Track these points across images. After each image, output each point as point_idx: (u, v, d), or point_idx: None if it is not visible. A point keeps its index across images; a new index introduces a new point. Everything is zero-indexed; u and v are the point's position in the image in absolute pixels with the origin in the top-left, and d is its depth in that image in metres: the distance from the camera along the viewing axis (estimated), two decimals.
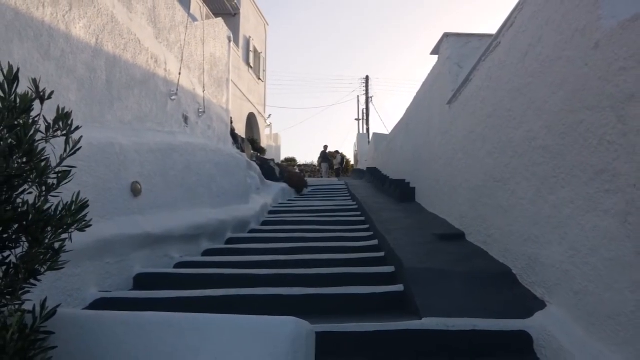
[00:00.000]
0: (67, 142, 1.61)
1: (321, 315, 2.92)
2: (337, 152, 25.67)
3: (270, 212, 8.20)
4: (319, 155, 23.81)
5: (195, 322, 1.55)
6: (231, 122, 10.63)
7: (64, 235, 1.57)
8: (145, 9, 5.97)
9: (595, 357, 2.14)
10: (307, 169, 25.94)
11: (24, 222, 1.50)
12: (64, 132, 1.61)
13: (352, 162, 27.05)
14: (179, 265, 4.46)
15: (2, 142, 1.44)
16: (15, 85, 1.49)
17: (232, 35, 10.02)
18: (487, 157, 3.98)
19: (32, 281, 1.53)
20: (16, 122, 1.48)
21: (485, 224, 3.99)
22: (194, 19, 8.76)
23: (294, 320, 1.53)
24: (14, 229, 1.51)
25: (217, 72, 9.00)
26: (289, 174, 12.62)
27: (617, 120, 2.14)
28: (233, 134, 11.66)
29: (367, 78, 30.49)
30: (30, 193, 1.55)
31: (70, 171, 1.61)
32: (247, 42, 17.36)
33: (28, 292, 1.52)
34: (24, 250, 1.51)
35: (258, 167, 9.63)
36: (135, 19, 5.62)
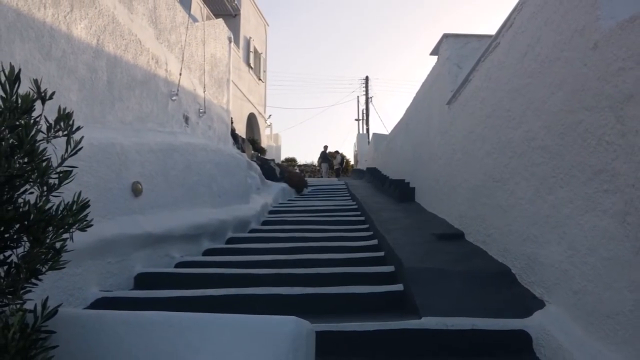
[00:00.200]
0: (68, 143, 1.62)
1: (321, 315, 2.93)
2: (337, 152, 25.68)
3: (271, 212, 8.22)
4: (319, 156, 23.81)
5: (196, 321, 1.55)
6: (231, 123, 10.64)
7: (65, 235, 1.57)
8: (146, 9, 5.98)
9: (594, 356, 2.14)
10: (307, 169, 25.95)
11: (26, 222, 1.51)
12: (65, 133, 1.61)
13: (352, 162, 27.05)
14: (180, 264, 4.47)
15: (3, 142, 1.45)
16: (16, 85, 1.50)
17: (232, 36, 10.03)
18: (486, 157, 3.98)
19: (33, 281, 1.53)
20: (17, 123, 1.48)
21: (484, 223, 4.00)
22: (195, 20, 8.77)
23: (294, 320, 1.53)
24: (15, 228, 1.51)
25: (218, 72, 9.01)
26: (289, 174, 12.63)
27: (615, 120, 2.15)
28: (233, 134, 11.68)
29: (366, 78, 30.54)
30: (32, 193, 1.56)
31: (71, 171, 1.61)
32: (248, 42, 17.37)
33: (29, 291, 1.52)
34: (26, 250, 1.51)
35: (258, 167, 9.65)
36: (136, 20, 5.63)
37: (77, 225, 1.59)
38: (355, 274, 3.85)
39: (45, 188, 1.56)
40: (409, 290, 3.22)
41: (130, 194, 4.08)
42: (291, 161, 25.99)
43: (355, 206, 8.47)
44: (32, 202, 1.54)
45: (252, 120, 17.88)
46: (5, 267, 1.50)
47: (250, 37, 17.67)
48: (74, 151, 1.62)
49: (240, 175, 7.04)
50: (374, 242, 5.13)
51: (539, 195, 2.93)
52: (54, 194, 1.58)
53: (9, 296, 1.46)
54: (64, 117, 1.61)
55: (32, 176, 1.53)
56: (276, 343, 1.45)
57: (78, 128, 1.65)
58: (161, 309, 1.82)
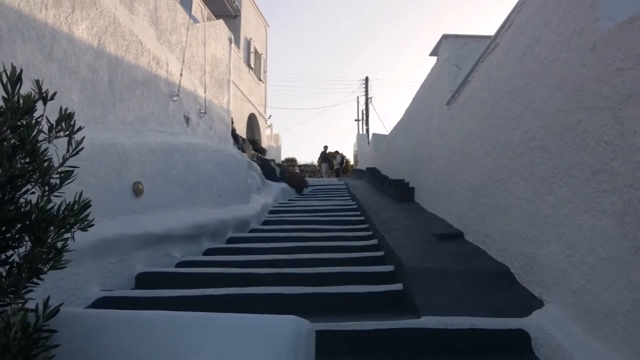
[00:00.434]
0: (69, 143, 1.62)
1: (321, 314, 2.93)
2: (337, 152, 25.69)
3: (271, 212, 8.22)
4: (319, 156, 23.81)
5: (197, 320, 1.55)
6: (232, 123, 10.65)
7: (66, 235, 1.57)
8: (147, 10, 5.99)
9: (592, 356, 2.15)
10: (307, 169, 25.95)
11: (27, 222, 1.50)
12: (67, 133, 1.61)
13: (352, 163, 27.06)
14: (181, 264, 4.48)
15: (5, 143, 1.45)
16: (18, 86, 1.50)
17: (233, 37, 10.04)
18: (485, 157, 3.99)
19: (35, 280, 1.53)
20: (19, 123, 1.48)
21: (483, 223, 4.01)
22: (195, 21, 8.78)
23: (294, 319, 1.54)
24: (17, 228, 1.51)
25: (218, 73, 9.02)
26: (290, 174, 12.64)
27: (614, 120, 2.16)
28: (234, 134, 11.69)
29: (366, 79, 30.58)
30: (33, 193, 1.56)
31: (72, 171, 1.61)
32: (248, 43, 17.39)
33: (31, 291, 1.52)
34: (27, 249, 1.51)
35: (259, 167, 9.66)
36: (137, 21, 5.64)
37: (78, 225, 1.59)
38: (355, 274, 3.85)
39: (46, 188, 1.56)
40: (409, 289, 3.23)
41: (131, 194, 4.09)
42: (291, 161, 25.99)
43: (355, 206, 8.48)
44: (33, 202, 1.54)
45: (252, 121, 17.89)
46: (7, 267, 1.50)
47: (251, 38, 17.68)
48: (75, 151, 1.62)
49: (240, 175, 7.05)
50: (374, 241, 5.14)
51: (538, 195, 2.94)
52: (55, 194, 1.58)
53: (10, 295, 1.46)
54: (66, 118, 1.61)
55: (34, 176, 1.53)
56: (276, 342, 1.45)
57: (79, 128, 1.65)
58: (162, 309, 1.83)
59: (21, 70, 1.52)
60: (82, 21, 4.33)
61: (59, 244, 1.56)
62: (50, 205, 1.56)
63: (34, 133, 1.50)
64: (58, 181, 1.59)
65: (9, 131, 1.47)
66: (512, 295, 3.06)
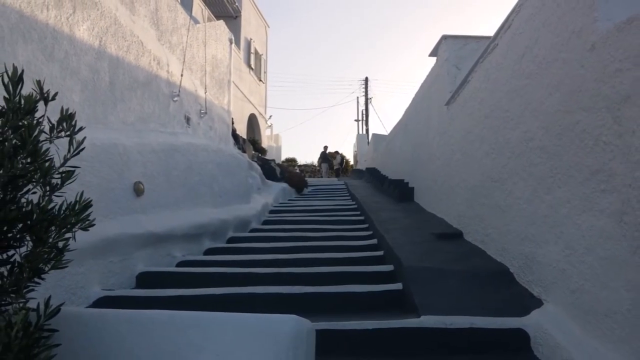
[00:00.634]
0: (70, 143, 1.62)
1: (321, 313, 2.94)
2: (336, 152, 25.69)
3: (271, 212, 8.24)
4: (319, 156, 23.82)
5: (198, 320, 1.56)
6: (232, 123, 10.66)
7: (67, 235, 1.57)
8: (148, 11, 6.00)
9: (591, 355, 2.16)
10: (308, 169, 25.95)
11: (29, 222, 1.51)
12: (68, 133, 1.62)
13: (352, 163, 27.06)
14: (181, 264, 4.49)
15: (6, 143, 1.46)
16: (19, 86, 1.50)
17: (233, 38, 10.04)
18: (484, 157, 4.00)
19: (36, 280, 1.53)
20: (20, 123, 1.49)
21: (482, 223, 4.02)
22: (196, 22, 8.79)
23: (294, 318, 1.54)
24: (18, 228, 1.51)
25: (219, 73, 9.03)
26: (290, 174, 12.66)
27: (612, 121, 2.16)
28: (234, 134, 11.70)
29: (366, 79, 30.60)
30: (35, 193, 1.56)
31: (73, 171, 1.61)
32: (248, 44, 17.39)
33: (32, 290, 1.52)
34: (29, 249, 1.51)
35: (259, 167, 9.67)
36: (138, 22, 5.65)
37: (79, 224, 1.59)
38: (354, 273, 3.86)
39: (48, 188, 1.57)
40: (408, 289, 3.24)
41: (132, 194, 4.11)
42: (291, 161, 25.98)
43: (355, 206, 8.49)
44: (35, 201, 1.54)
45: (252, 121, 17.90)
46: (9, 266, 1.50)
47: (251, 39, 17.69)
48: (76, 151, 1.63)
49: (241, 175, 7.06)
50: (374, 241, 5.15)
51: (537, 195, 2.95)
52: (56, 193, 1.58)
53: (12, 295, 1.46)
54: (67, 118, 1.61)
55: (35, 176, 1.53)
56: (277, 341, 1.46)
57: (80, 128, 1.65)
58: (163, 308, 1.84)
59: (22, 71, 1.53)
60: (83, 22, 4.34)
61: (60, 244, 1.56)
62: (52, 205, 1.56)
63: (35, 133, 1.50)
64: (59, 181, 1.59)
65: (10, 131, 1.48)
66: (511, 294, 3.07)
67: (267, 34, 20.58)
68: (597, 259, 2.25)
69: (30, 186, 1.55)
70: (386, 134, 15.40)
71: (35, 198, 1.55)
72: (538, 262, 2.91)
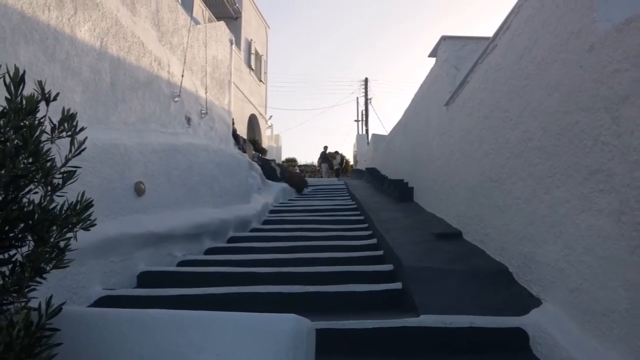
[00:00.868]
0: (72, 143, 1.62)
1: (321, 313, 2.95)
2: (336, 152, 25.70)
3: (271, 212, 8.25)
4: (319, 156, 23.83)
5: (198, 319, 1.56)
6: (233, 123, 10.66)
7: (69, 234, 1.57)
8: (149, 12, 6.01)
9: (590, 354, 2.17)
10: (308, 169, 25.95)
11: (30, 222, 1.51)
12: (69, 133, 1.61)
13: (352, 163, 27.06)
14: (182, 263, 4.51)
15: (8, 143, 1.46)
16: (21, 87, 1.50)
17: (233, 38, 10.04)
18: (484, 157, 4.01)
19: (37, 279, 1.53)
20: (22, 123, 1.48)
21: (482, 223, 4.03)
22: (197, 22, 8.80)
23: (294, 318, 1.54)
24: (20, 228, 1.51)
25: (219, 74, 9.04)
26: (290, 174, 12.67)
27: (611, 121, 2.17)
28: (235, 134, 11.70)
29: (366, 80, 30.64)
30: (36, 193, 1.56)
31: (75, 171, 1.61)
32: (249, 44, 17.41)
33: (34, 290, 1.52)
34: (30, 249, 1.51)
35: (259, 168, 9.69)
36: (139, 22, 5.66)
37: (80, 224, 1.59)
38: (354, 273, 3.88)
39: (49, 188, 1.57)
40: (408, 288, 3.25)
41: (133, 194, 4.12)
42: (291, 161, 25.98)
43: (355, 206, 8.50)
44: (36, 201, 1.54)
45: (253, 121, 17.90)
46: (10, 266, 1.50)
47: (252, 40, 17.70)
48: (77, 151, 1.63)
49: (241, 176, 7.07)
50: (373, 241, 5.16)
51: (536, 195, 2.96)
52: (58, 193, 1.58)
53: (13, 294, 1.46)
54: (68, 118, 1.62)
55: (37, 176, 1.53)
56: (277, 341, 1.46)
57: (82, 129, 1.65)
58: (164, 307, 1.83)
59: (24, 71, 1.52)
60: (84, 23, 4.35)
61: (62, 244, 1.56)
62: (53, 205, 1.56)
63: (37, 133, 1.50)
64: (61, 181, 1.59)
65: (12, 132, 1.48)
66: (510, 294, 3.08)
67: (268, 34, 20.60)
68: (595, 258, 2.26)
69: (31, 186, 1.54)
70: (386, 134, 15.40)
71: (36, 198, 1.55)
72: (537, 262, 2.92)
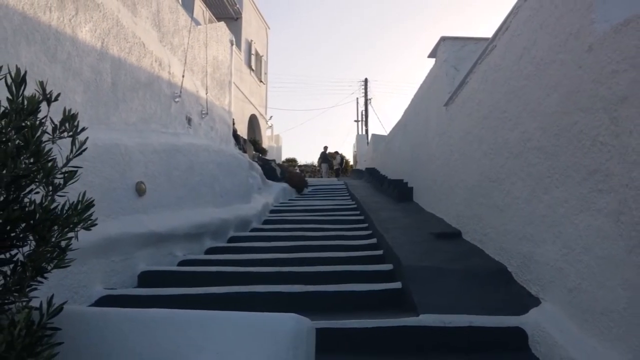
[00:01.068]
0: (73, 143, 1.63)
1: (321, 312, 2.96)
2: (336, 152, 25.71)
3: (272, 211, 8.25)
4: (319, 156, 23.84)
5: (199, 318, 1.57)
6: (233, 124, 10.67)
7: (70, 234, 1.57)
8: (150, 13, 6.02)
9: (588, 353, 2.17)
10: (308, 169, 25.95)
11: (31, 221, 1.51)
12: (70, 133, 1.62)
13: (352, 163, 27.07)
14: (183, 263, 4.52)
15: (10, 143, 1.46)
16: (22, 87, 1.51)
17: (234, 39, 10.05)
18: (483, 157, 4.02)
19: (39, 279, 1.53)
20: (23, 124, 1.49)
21: (481, 223, 4.03)
22: (197, 23, 8.81)
23: (294, 317, 1.55)
24: (21, 227, 1.51)
25: (220, 74, 9.05)
26: (290, 174, 12.67)
27: (610, 121, 2.18)
28: (235, 135, 11.71)
29: (365, 80, 30.67)
30: (38, 193, 1.56)
31: (76, 171, 1.62)
32: (249, 45, 17.42)
33: (35, 289, 1.53)
34: (31, 248, 1.52)
35: (260, 168, 9.70)
36: (140, 23, 5.68)
37: (81, 224, 1.59)
38: (354, 272, 3.88)
39: (50, 188, 1.57)
40: (407, 288, 3.26)
41: (134, 194, 4.13)
42: (292, 161, 25.98)
43: (355, 206, 8.50)
44: (37, 201, 1.54)
45: (253, 122, 17.91)
46: (12, 266, 1.51)
47: (252, 40, 17.71)
48: (78, 152, 1.63)
49: (241, 176, 7.08)
50: (373, 241, 5.17)
51: (535, 195, 2.96)
52: (59, 193, 1.59)
53: (15, 294, 1.47)
54: (69, 118, 1.62)
55: (38, 176, 1.53)
56: (277, 340, 1.46)
57: (83, 129, 1.66)
58: (164, 307, 1.84)
59: (25, 72, 1.53)
60: (85, 23, 4.36)
61: (63, 243, 1.56)
62: (54, 204, 1.56)
63: (38, 134, 1.51)
64: (62, 181, 1.60)
65: (13, 132, 1.48)
66: (509, 293, 3.08)
67: (268, 35, 20.61)
68: (594, 258, 2.26)
69: (33, 186, 1.55)
70: (385, 134, 15.41)
71: (38, 198, 1.56)
72: (536, 262, 2.93)
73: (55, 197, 1.59)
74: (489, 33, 4.30)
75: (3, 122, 1.48)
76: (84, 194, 1.64)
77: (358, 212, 7.66)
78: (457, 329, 2.65)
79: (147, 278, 3.97)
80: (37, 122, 1.53)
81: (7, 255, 1.53)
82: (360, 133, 28.59)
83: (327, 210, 8.25)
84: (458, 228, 4.70)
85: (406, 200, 7.44)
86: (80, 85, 4.26)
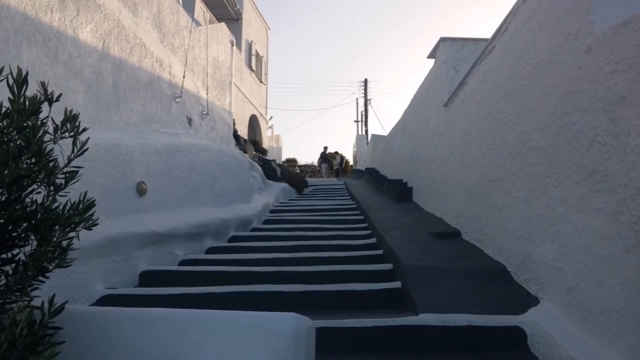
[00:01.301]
0: (74, 143, 1.63)
1: (321, 311, 2.97)
2: (336, 152, 25.74)
3: (272, 211, 8.26)
4: (319, 156, 23.84)
5: (199, 318, 1.57)
6: (234, 124, 10.69)
7: (71, 234, 1.58)
8: (150, 14, 6.04)
9: (587, 352, 2.18)
10: (308, 169, 25.95)
11: (33, 221, 1.52)
12: (72, 134, 1.62)
13: (351, 163, 27.07)
14: (183, 262, 4.52)
15: (11, 143, 1.47)
16: (24, 88, 1.51)
17: (234, 40, 10.07)
18: (482, 157, 4.03)
19: (40, 278, 1.54)
20: (25, 124, 1.49)
21: (480, 222, 4.04)
22: (198, 24, 8.82)
23: (294, 316, 1.55)
24: (23, 227, 1.52)
25: (220, 75, 9.06)
26: (290, 174, 12.68)
27: (608, 122, 2.19)
28: (236, 135, 11.73)
29: (365, 81, 30.67)
30: (39, 193, 1.57)
31: (77, 171, 1.63)
32: (249, 46, 17.42)
33: (37, 288, 1.53)
34: (33, 248, 1.52)
35: (260, 168, 9.71)
36: (141, 24, 5.69)
37: (83, 224, 1.60)
38: (354, 272, 3.89)
39: (52, 188, 1.57)
40: (407, 287, 3.26)
41: (135, 194, 4.14)
42: (292, 161, 25.96)
43: (355, 205, 8.51)
44: (39, 201, 1.55)
45: (253, 122, 17.92)
46: (13, 265, 1.51)
47: (252, 41, 17.72)
48: (80, 152, 1.64)
49: (242, 176, 7.09)
50: (373, 240, 5.17)
51: (534, 194, 2.97)
52: (60, 193, 1.59)
53: (16, 293, 1.47)
54: (71, 119, 1.62)
55: (40, 176, 1.54)
56: (277, 339, 1.47)
57: (84, 129, 1.67)
58: (165, 306, 1.84)
59: (27, 73, 1.54)
60: (86, 24, 4.38)
61: (64, 243, 1.57)
62: (56, 204, 1.57)
63: (40, 134, 1.51)
64: (63, 181, 1.60)
65: (15, 132, 1.48)
66: (508, 292, 3.09)
67: (268, 36, 20.61)
68: (592, 257, 2.27)
69: (34, 186, 1.55)
70: (385, 134, 15.41)
71: (39, 198, 1.56)
72: (535, 261, 2.93)
73: (57, 197, 1.60)
74: (488, 34, 4.32)
75: (5, 123, 1.49)
76: (85, 193, 1.65)
77: (358, 212, 7.67)
78: (456, 328, 2.65)
79: (148, 278, 3.98)
80: (39, 123, 1.53)
81: (9, 254, 1.54)
82: (360, 133, 28.59)
83: (327, 210, 8.26)
84: (457, 228, 4.71)
85: (406, 200, 7.45)
86: (81, 86, 4.27)
